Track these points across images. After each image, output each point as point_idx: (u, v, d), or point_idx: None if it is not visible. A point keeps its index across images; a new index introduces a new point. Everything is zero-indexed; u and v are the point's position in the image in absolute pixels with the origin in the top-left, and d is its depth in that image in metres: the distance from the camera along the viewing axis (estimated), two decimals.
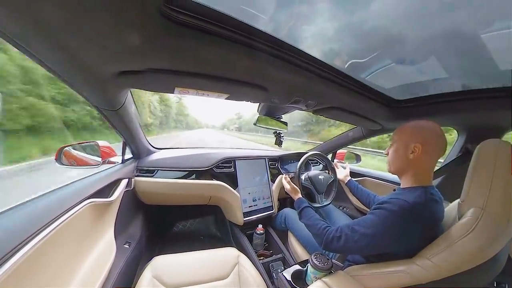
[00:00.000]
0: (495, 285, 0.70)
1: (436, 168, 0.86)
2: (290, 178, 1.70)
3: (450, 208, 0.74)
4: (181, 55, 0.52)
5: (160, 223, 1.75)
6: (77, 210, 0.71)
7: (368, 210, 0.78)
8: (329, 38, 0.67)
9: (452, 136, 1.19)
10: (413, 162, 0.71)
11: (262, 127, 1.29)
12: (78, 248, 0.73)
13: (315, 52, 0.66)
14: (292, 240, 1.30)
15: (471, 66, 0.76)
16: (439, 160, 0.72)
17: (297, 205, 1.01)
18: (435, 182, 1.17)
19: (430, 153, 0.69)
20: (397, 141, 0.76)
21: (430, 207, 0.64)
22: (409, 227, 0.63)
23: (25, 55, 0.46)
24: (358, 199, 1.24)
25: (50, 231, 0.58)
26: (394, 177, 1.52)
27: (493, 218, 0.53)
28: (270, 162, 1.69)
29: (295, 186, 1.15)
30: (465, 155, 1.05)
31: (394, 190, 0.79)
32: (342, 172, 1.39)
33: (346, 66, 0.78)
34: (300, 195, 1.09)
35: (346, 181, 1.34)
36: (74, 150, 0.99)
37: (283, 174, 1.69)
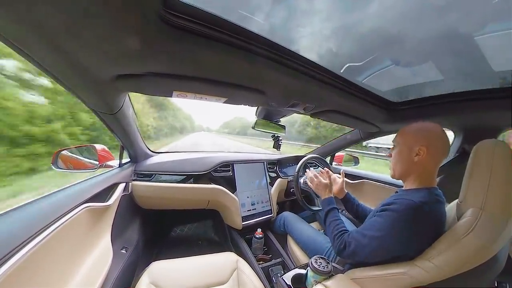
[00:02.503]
0: (496, 285, 0.70)
1: None
2: (289, 182, 1.70)
3: (449, 208, 0.74)
4: (179, 59, 0.52)
5: (158, 228, 1.72)
6: (73, 215, 0.70)
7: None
8: (326, 40, 0.68)
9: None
10: (418, 165, 0.71)
11: (260, 130, 1.29)
12: (74, 253, 0.72)
13: (312, 55, 0.66)
14: (292, 244, 1.29)
15: (465, 68, 0.77)
16: None
17: (325, 202, 0.96)
18: None
19: (435, 155, 0.69)
20: (401, 143, 0.76)
21: (436, 207, 0.64)
22: (418, 226, 0.62)
23: (23, 58, 0.46)
24: (354, 217, 1.08)
25: (45, 236, 0.57)
26: (395, 180, 1.51)
27: (492, 218, 0.53)
28: (268, 166, 1.68)
29: (325, 181, 1.03)
30: (462, 155, 1.06)
31: (396, 192, 0.79)
32: (336, 185, 1.12)
33: (343, 69, 0.78)
34: (331, 194, 1.00)
35: (342, 196, 1.10)
36: (70, 154, 0.98)
37: (281, 178, 1.69)
